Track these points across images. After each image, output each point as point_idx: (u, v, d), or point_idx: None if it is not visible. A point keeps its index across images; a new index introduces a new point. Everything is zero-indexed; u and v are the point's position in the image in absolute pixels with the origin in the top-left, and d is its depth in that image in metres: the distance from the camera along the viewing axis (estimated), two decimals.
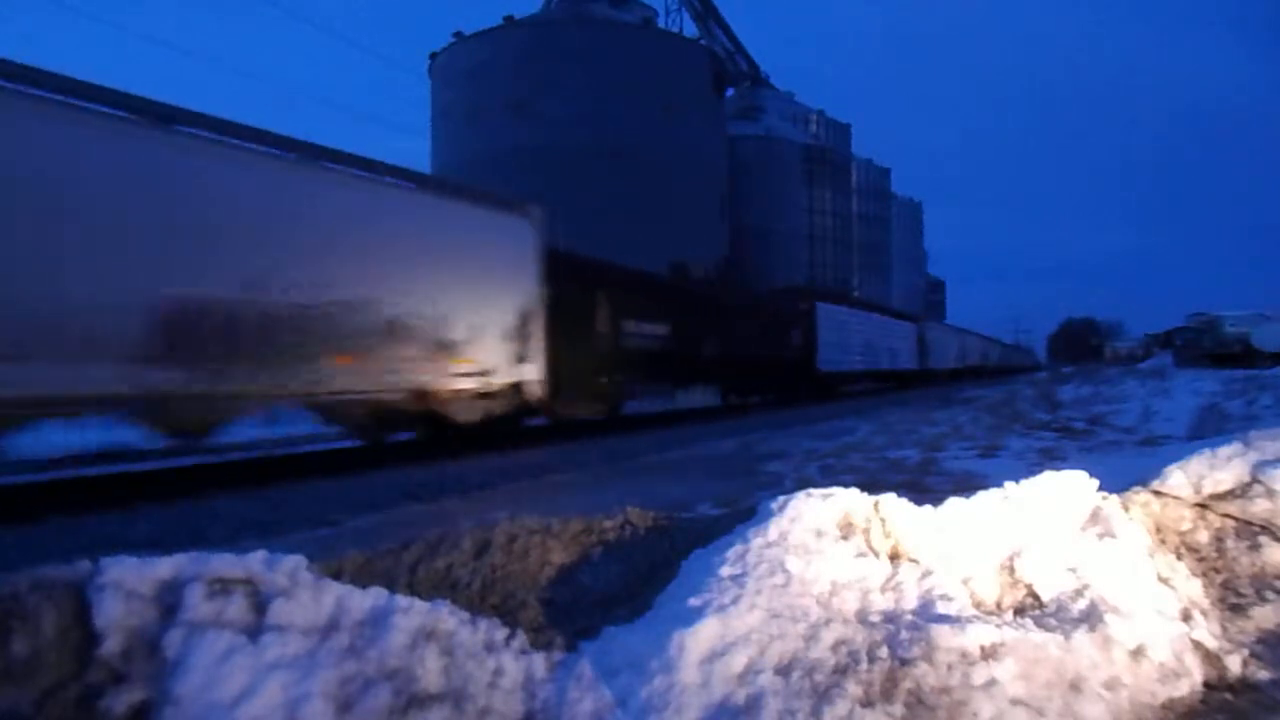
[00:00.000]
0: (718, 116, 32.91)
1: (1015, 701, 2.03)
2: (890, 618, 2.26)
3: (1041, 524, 2.75)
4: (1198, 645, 2.44)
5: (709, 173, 31.01)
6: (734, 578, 2.33)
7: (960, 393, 22.99)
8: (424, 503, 5.93)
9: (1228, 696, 2.30)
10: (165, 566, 1.80)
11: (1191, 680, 2.31)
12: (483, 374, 9.84)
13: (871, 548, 2.59)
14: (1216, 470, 3.08)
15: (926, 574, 2.45)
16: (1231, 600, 2.71)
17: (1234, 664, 2.42)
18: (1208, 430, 8.23)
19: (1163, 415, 10.69)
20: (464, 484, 6.90)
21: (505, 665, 1.98)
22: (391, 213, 8.80)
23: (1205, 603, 2.68)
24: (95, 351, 5.99)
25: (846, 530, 2.63)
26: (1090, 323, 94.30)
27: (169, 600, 1.74)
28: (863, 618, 2.27)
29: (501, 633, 2.09)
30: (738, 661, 2.02)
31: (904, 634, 2.16)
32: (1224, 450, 3.18)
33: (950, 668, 2.07)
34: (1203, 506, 3.03)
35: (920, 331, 36.11)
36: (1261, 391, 11.44)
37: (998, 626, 2.22)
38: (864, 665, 2.08)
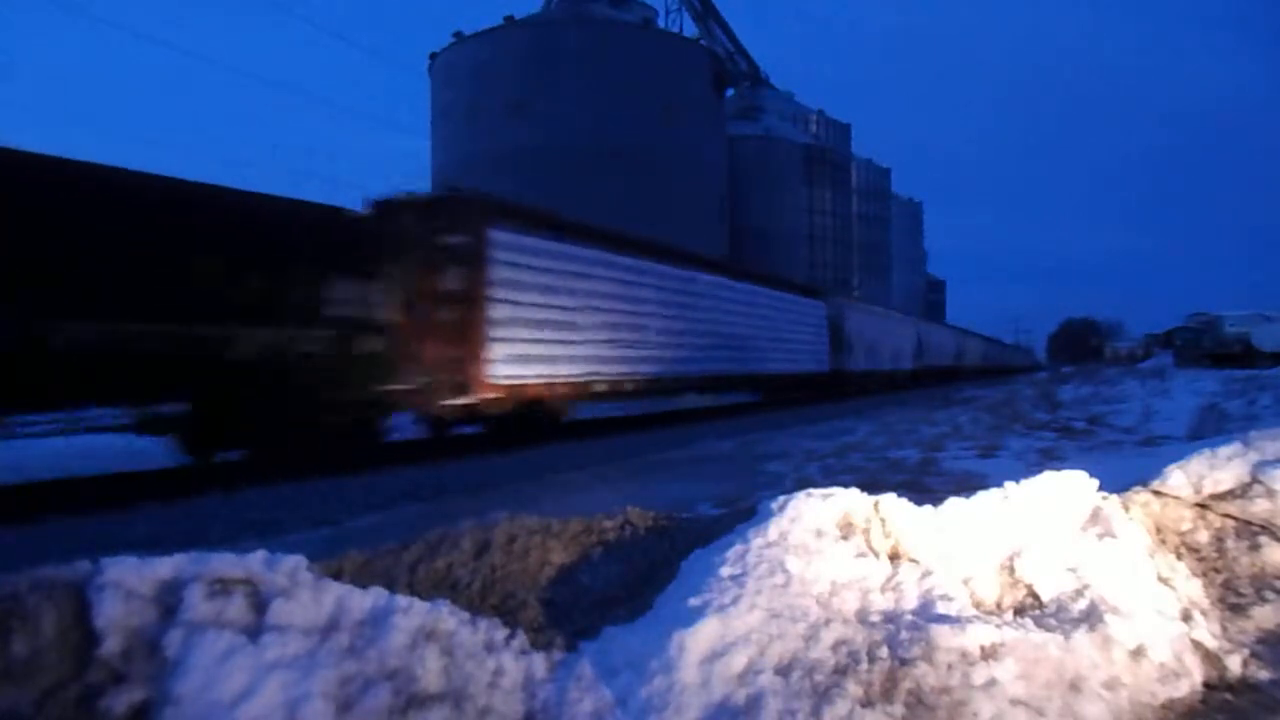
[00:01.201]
0: (718, 116, 32.91)
1: (1015, 701, 2.02)
2: (890, 618, 2.26)
3: (1041, 524, 2.75)
4: (1198, 645, 2.44)
5: (709, 173, 31.00)
6: (734, 578, 2.33)
7: (960, 393, 22.97)
8: (424, 503, 5.93)
9: (1228, 696, 2.30)
10: (165, 566, 1.80)
11: (1191, 680, 2.31)
12: None
13: (871, 548, 2.59)
14: (1216, 470, 3.08)
15: (926, 574, 2.45)
16: (1231, 600, 2.70)
17: (1234, 664, 2.42)
18: (1208, 430, 8.23)
19: (1163, 415, 10.69)
20: (464, 484, 6.90)
21: (505, 665, 1.98)
22: None
23: (1205, 603, 2.68)
24: None
25: (846, 530, 2.63)
26: (1090, 323, 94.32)
27: (169, 600, 1.74)
28: (863, 618, 2.27)
29: (501, 633, 2.09)
30: (738, 661, 2.02)
31: (904, 634, 2.16)
32: (1224, 450, 3.18)
33: (950, 668, 2.07)
34: (1203, 506, 3.03)
35: (835, 315, 23.25)
36: (1261, 391, 11.44)
37: (998, 626, 2.22)
38: (864, 665, 2.07)
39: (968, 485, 3.87)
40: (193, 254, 7.27)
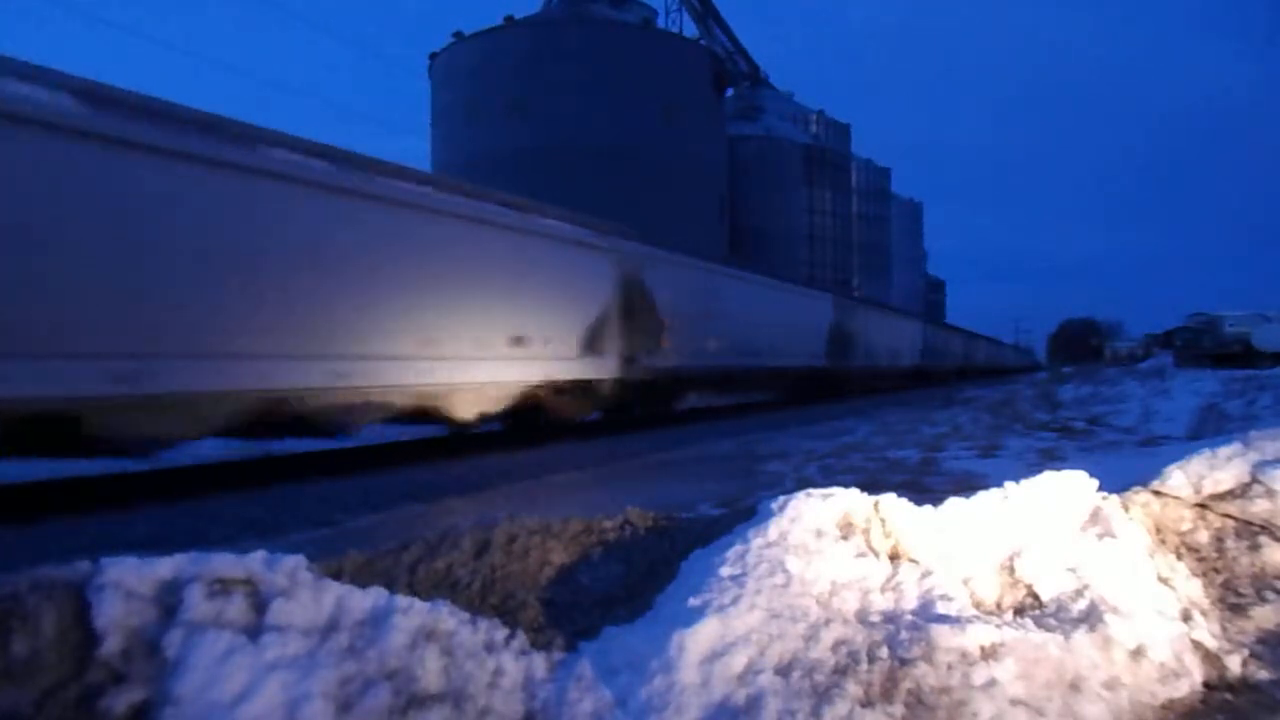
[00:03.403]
0: (718, 117, 32.91)
1: (1015, 701, 2.03)
2: (890, 618, 2.26)
3: (1041, 524, 2.75)
4: (1198, 645, 2.44)
5: (709, 173, 31.01)
6: (734, 578, 2.33)
7: (960, 393, 22.97)
8: (424, 503, 5.93)
9: (1228, 696, 2.30)
10: (165, 566, 1.80)
11: (1191, 680, 2.31)
12: None
13: (871, 548, 2.59)
14: (1216, 470, 3.08)
15: (926, 574, 2.45)
16: (1231, 600, 2.71)
17: (1234, 664, 2.42)
18: (1208, 430, 8.23)
19: (1163, 415, 10.68)
20: (464, 484, 6.89)
21: (505, 665, 1.98)
22: None
23: (1205, 603, 2.68)
24: None
25: (846, 530, 2.63)
26: (1090, 323, 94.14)
27: (169, 600, 1.74)
28: (863, 618, 2.27)
29: (501, 633, 2.09)
30: (738, 662, 2.02)
31: (904, 634, 2.16)
32: (1224, 450, 3.18)
33: (950, 668, 2.07)
34: (1203, 506, 3.03)
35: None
36: (1261, 391, 11.43)
37: (998, 626, 2.22)
38: (864, 665, 2.08)
39: (968, 485, 3.87)
40: None
